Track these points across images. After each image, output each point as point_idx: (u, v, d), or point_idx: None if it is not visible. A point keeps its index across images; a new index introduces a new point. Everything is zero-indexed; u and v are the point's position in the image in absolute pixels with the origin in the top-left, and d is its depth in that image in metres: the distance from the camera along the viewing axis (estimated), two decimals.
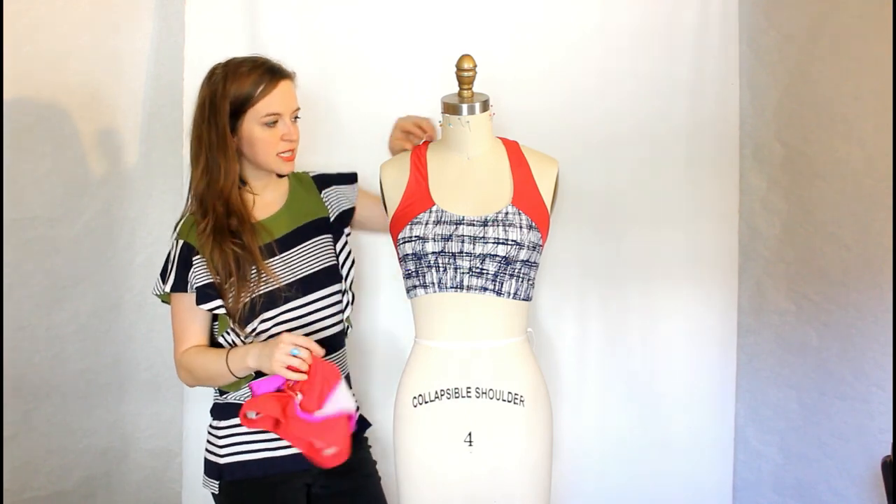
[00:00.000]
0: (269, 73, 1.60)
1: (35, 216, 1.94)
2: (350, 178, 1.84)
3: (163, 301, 1.68)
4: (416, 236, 1.59)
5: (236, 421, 1.64)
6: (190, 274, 1.60)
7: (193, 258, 1.60)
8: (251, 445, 1.66)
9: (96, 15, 2.00)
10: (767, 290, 2.21)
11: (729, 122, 2.19)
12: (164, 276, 1.64)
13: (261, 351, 1.52)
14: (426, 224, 1.59)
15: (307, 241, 1.69)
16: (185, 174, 2.10)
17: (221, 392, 1.69)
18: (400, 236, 1.61)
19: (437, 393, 1.61)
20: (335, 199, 1.79)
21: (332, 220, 1.76)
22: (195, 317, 1.63)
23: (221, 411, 1.69)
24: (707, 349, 2.26)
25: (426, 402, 1.61)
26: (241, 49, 2.06)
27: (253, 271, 1.60)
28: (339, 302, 1.72)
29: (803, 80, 2.07)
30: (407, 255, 1.60)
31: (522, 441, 1.62)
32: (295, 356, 1.48)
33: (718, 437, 2.29)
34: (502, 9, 2.12)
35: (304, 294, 1.65)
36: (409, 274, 1.62)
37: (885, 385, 1.92)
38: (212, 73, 1.62)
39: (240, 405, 1.64)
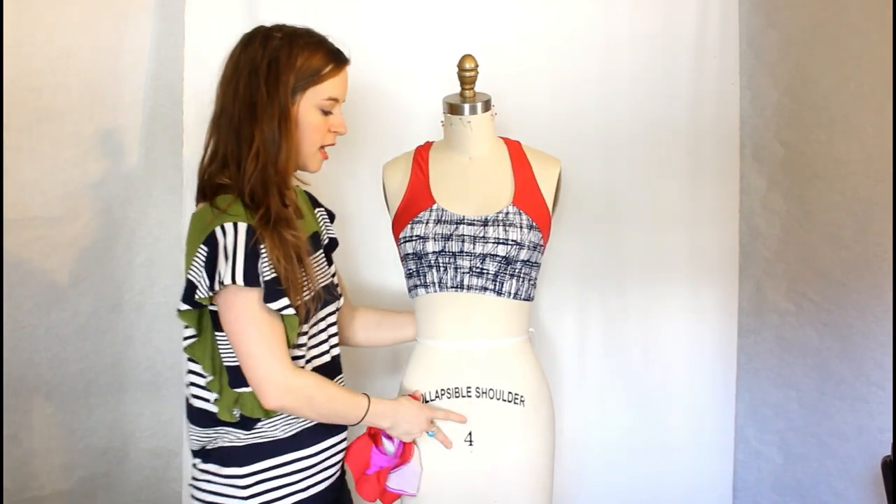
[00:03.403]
0: (334, 53, 1.40)
1: (35, 216, 1.93)
2: (332, 216, 1.65)
3: (201, 304, 1.32)
4: (416, 235, 1.59)
5: (265, 464, 1.38)
6: (259, 264, 1.29)
7: (260, 246, 1.29)
8: (282, 490, 1.40)
9: (96, 15, 2.00)
10: (767, 290, 2.21)
11: (729, 122, 2.20)
12: (211, 271, 1.28)
13: (412, 417, 1.50)
14: (426, 223, 1.59)
15: (314, 251, 1.52)
16: (186, 174, 2.11)
17: (244, 427, 1.37)
18: (401, 235, 1.61)
19: (437, 392, 1.60)
20: (324, 223, 1.61)
21: (322, 239, 1.58)
22: (274, 318, 1.31)
23: (243, 456, 1.37)
24: (707, 349, 2.26)
25: (426, 402, 1.61)
26: None
27: (302, 270, 1.35)
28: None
29: (803, 80, 2.07)
30: (408, 254, 1.60)
31: (522, 441, 1.62)
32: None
33: (718, 437, 2.29)
34: (504, 9, 2.12)
35: (330, 303, 1.52)
36: (410, 273, 1.62)
37: (885, 385, 1.92)
38: (267, 37, 1.37)
39: (269, 444, 1.38)
